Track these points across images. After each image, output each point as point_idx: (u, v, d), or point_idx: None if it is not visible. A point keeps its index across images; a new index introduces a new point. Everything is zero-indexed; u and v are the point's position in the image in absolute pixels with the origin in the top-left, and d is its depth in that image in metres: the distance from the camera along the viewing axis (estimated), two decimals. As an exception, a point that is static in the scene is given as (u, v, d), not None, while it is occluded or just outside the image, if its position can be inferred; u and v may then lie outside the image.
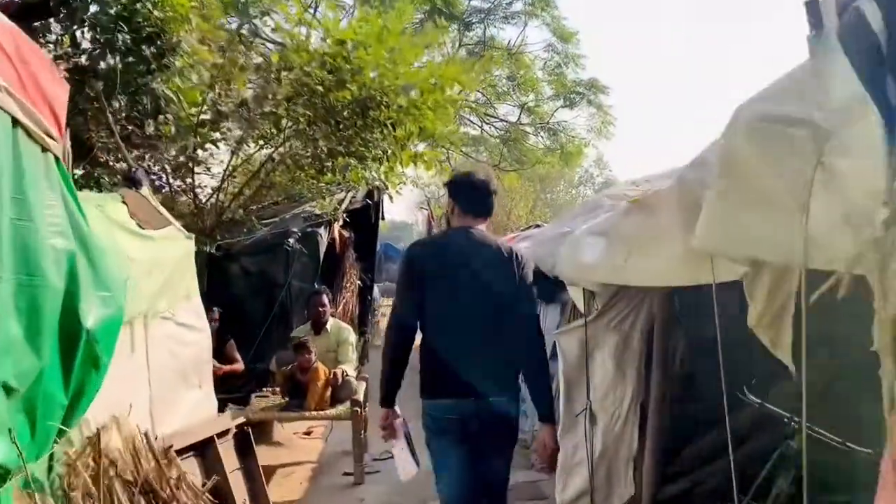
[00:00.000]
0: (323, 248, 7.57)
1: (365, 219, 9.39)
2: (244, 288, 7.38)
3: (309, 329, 6.69)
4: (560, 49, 19.19)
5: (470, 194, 3.41)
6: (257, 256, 7.41)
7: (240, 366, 6.82)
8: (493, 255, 3.28)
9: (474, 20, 19.46)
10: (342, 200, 8.34)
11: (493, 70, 19.29)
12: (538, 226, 15.28)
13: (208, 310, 6.84)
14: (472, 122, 20.55)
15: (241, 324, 7.28)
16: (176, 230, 4.38)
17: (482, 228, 3.42)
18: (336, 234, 7.95)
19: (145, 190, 4.38)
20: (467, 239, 3.32)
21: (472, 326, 3.23)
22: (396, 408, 3.40)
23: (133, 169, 4.37)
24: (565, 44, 19.13)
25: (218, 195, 7.22)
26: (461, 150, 19.81)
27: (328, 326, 6.67)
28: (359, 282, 9.91)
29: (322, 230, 7.58)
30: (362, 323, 10.42)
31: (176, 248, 4.26)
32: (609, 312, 4.26)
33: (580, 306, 4.70)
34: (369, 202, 9.19)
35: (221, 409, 5.02)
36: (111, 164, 5.82)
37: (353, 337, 6.80)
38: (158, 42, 5.66)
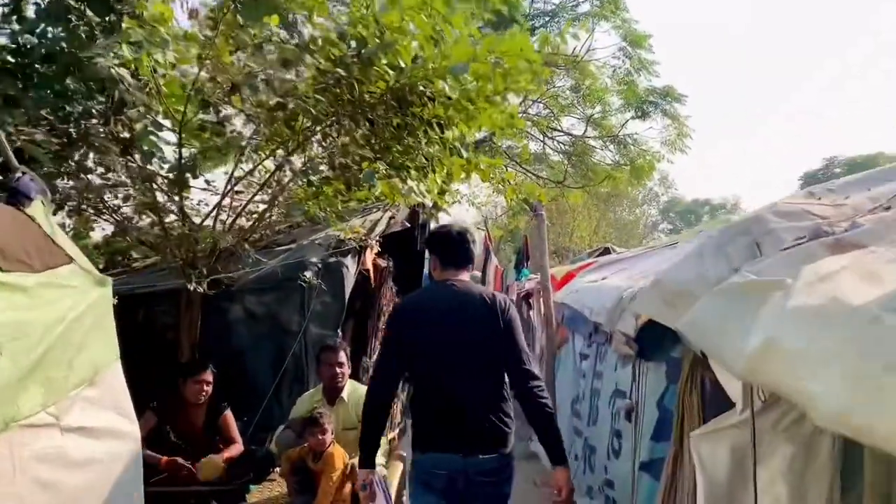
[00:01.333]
0: (349, 284, 5.87)
1: (408, 245, 7.70)
2: (248, 336, 5.73)
3: (318, 398, 4.97)
4: (631, 54, 17.33)
5: (448, 247, 3.53)
6: (265, 295, 5.76)
7: (238, 448, 5.14)
8: (477, 306, 3.36)
9: (538, 24, 17.80)
10: (377, 222, 6.65)
11: (556, 81, 17.64)
12: (607, 250, 13.47)
13: (200, 369, 5.25)
14: (533, 136, 18.83)
15: (243, 385, 5.63)
16: (78, 271, 2.71)
17: (465, 278, 3.53)
18: (369, 265, 6.23)
19: (36, 207, 2.73)
20: (450, 292, 3.41)
21: (460, 381, 3.28)
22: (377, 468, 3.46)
23: (15, 176, 2.71)
24: (637, 49, 17.29)
25: (216, 217, 5.59)
26: (522, 167, 18.12)
27: (345, 394, 4.95)
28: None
29: (348, 260, 5.89)
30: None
31: (69, 300, 2.57)
32: (780, 406, 2.67)
33: (732, 392, 2.98)
34: (411, 225, 7.47)
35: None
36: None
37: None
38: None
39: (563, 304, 7.38)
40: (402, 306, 3.62)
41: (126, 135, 4.85)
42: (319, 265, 5.75)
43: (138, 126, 4.42)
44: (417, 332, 3.31)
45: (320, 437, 4.57)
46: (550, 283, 6.97)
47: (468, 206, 18.74)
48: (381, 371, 3.40)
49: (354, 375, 6.58)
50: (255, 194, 5.56)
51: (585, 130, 18.65)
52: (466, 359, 3.28)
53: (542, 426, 3.31)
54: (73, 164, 4.67)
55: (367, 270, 6.24)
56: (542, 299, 6.82)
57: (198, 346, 5.64)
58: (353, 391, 5.01)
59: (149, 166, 4.65)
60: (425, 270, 8.36)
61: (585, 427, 6.63)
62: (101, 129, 4.57)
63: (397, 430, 8.18)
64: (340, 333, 5.72)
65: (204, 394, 5.13)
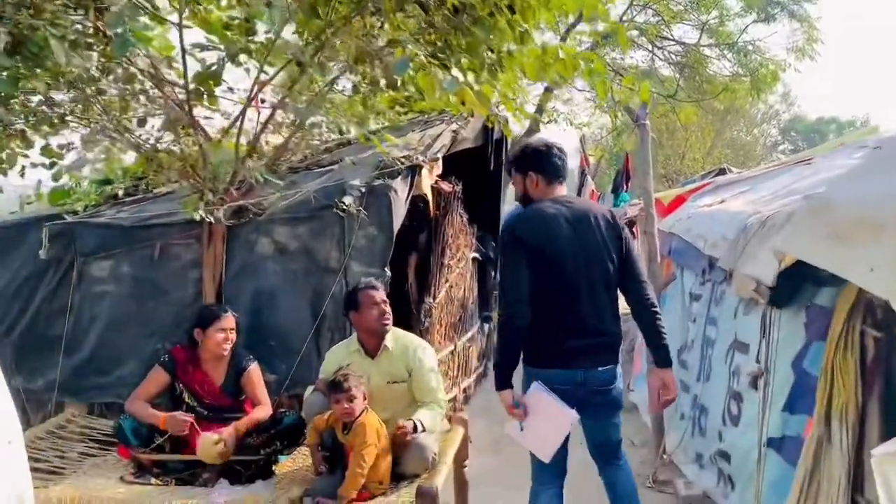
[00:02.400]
0: (399, 212, 4.80)
1: (479, 167, 6.57)
2: (279, 275, 4.78)
3: (354, 349, 4.02)
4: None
5: (549, 161, 3.42)
6: (299, 226, 4.77)
7: (264, 411, 4.28)
8: (600, 221, 3.35)
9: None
10: (437, 137, 5.53)
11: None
12: (723, 171, 11.82)
13: (221, 313, 4.39)
14: (641, 45, 16.98)
15: (273, 333, 4.72)
16: None
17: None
18: (426, 189, 5.13)
19: None
20: (570, 207, 3.35)
21: (586, 296, 3.26)
22: None
23: None
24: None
25: (239, 129, 4.61)
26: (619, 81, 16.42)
27: (388, 341, 3.99)
28: (475, 254, 7.11)
29: (398, 183, 4.80)
30: (484, 307, 7.66)
31: None
32: None
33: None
34: (483, 143, 6.30)
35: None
36: None
37: (431, 358, 4.06)
38: None
39: (671, 233, 6.16)
40: (525, 219, 3.37)
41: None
42: (362, 189, 4.70)
43: (112, 11, 3.43)
44: (546, 246, 3.22)
45: (346, 405, 3.61)
46: (655, 208, 5.71)
47: (566, 126, 17.23)
48: (516, 288, 3.22)
49: (409, 321, 5.62)
50: (280, 101, 4.51)
51: (700, 38, 16.70)
52: (592, 273, 3.28)
53: (656, 332, 3.43)
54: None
55: (423, 197, 5.16)
56: (645, 228, 5.58)
57: (224, 288, 4.77)
58: (398, 338, 4.04)
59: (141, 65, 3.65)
60: (503, 196, 7.25)
61: (694, 382, 5.45)
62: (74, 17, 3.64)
63: (473, 377, 7.22)
64: (388, 272, 4.70)
65: (229, 342, 4.27)
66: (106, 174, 5.65)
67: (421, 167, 4.96)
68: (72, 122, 4.61)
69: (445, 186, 5.72)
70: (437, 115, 6.20)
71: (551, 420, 3.27)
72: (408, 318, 5.71)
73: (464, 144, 6.07)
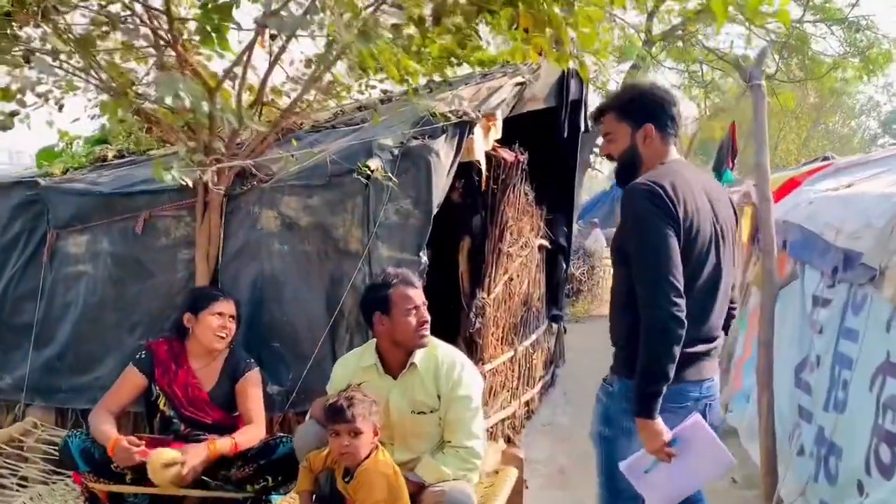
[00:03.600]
0: (444, 181, 3.70)
1: (552, 133, 5.42)
2: (285, 259, 3.76)
3: (370, 363, 2.99)
4: None
5: (672, 114, 2.55)
6: (312, 196, 3.72)
7: (254, 433, 3.32)
8: (726, 200, 2.60)
9: None
10: (495, 90, 4.40)
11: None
12: (827, 159, 10.32)
13: (217, 295, 3.35)
14: (738, 21, 15.39)
15: (276, 334, 3.71)
16: None
17: None
18: (479, 154, 4.01)
19: None
20: (699, 177, 2.55)
21: (721, 291, 2.50)
22: None
23: None
24: None
25: (244, 73, 3.60)
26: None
27: (416, 357, 2.94)
28: (542, 241, 5.95)
29: (441, 144, 3.70)
30: (554, 304, 6.50)
31: None
32: None
33: None
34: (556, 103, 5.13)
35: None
36: None
37: (472, 382, 2.98)
38: None
39: (786, 222, 4.92)
40: (667, 181, 2.40)
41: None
42: (394, 151, 3.64)
43: None
44: (695, 222, 2.37)
45: (347, 441, 2.57)
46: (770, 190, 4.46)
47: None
48: (669, 274, 2.28)
49: (457, 320, 4.55)
50: (287, 41, 3.47)
51: (803, 15, 15.02)
52: (726, 262, 2.51)
53: None
54: None
55: (478, 163, 4.05)
56: (757, 215, 4.36)
57: (220, 270, 3.79)
58: (432, 352, 2.98)
59: None
60: (579, 175, 6.06)
61: (820, 411, 4.20)
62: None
63: (538, 388, 6.10)
64: (425, 259, 3.62)
65: (227, 333, 3.38)
66: (104, 133, 4.76)
67: (473, 124, 3.86)
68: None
69: (506, 154, 4.60)
70: (500, 68, 5.07)
71: (701, 465, 2.42)
72: (455, 316, 4.64)
73: (531, 105, 4.94)
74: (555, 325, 6.69)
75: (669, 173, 2.41)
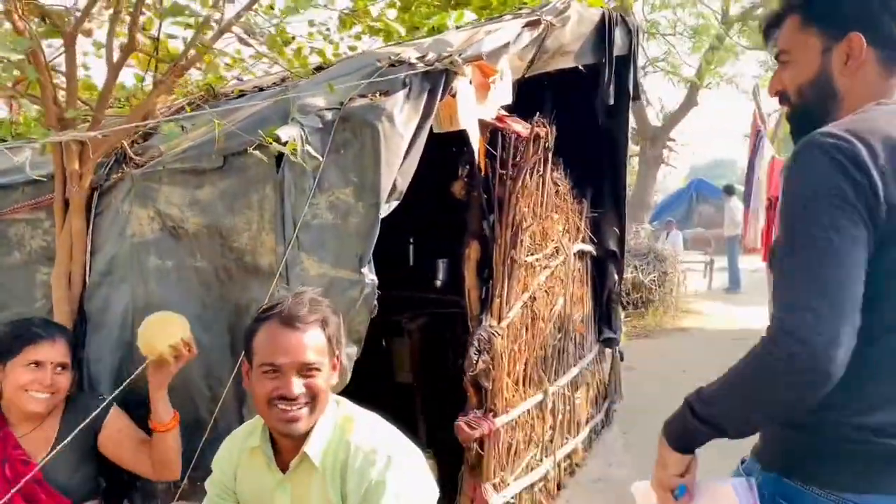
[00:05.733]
0: (398, 158, 2.41)
1: (590, 102, 4.07)
2: (168, 277, 2.53)
3: (255, 444, 1.85)
4: None
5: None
6: (201, 185, 2.49)
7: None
8: None
9: None
10: (492, 31, 3.09)
11: None
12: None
13: (38, 336, 2.11)
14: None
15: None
16: None
17: None
18: (465, 123, 2.71)
19: None
20: None
21: None
22: None
23: None
24: None
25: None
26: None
27: (311, 447, 1.75)
28: (584, 246, 4.57)
29: (398, 102, 2.42)
30: (605, 324, 5.11)
31: None
32: None
33: None
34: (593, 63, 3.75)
35: None
36: None
37: (402, 479, 1.71)
38: None
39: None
40: (861, 136, 1.31)
41: None
42: (325, 114, 2.39)
43: None
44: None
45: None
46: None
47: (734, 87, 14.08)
48: (826, 285, 1.28)
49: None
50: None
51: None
52: None
53: None
54: None
55: (465, 136, 2.75)
56: None
57: (86, 298, 2.62)
58: (340, 439, 1.78)
59: None
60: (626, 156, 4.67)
61: None
62: None
63: (585, 432, 4.76)
64: (372, 277, 2.35)
65: (47, 390, 2.28)
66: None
67: (451, 75, 2.57)
68: None
69: (519, 127, 3.29)
70: (514, 12, 3.75)
71: None
72: (453, 350, 3.36)
73: (561, 61, 3.61)
74: (608, 351, 5.30)
75: (883, 123, 1.37)
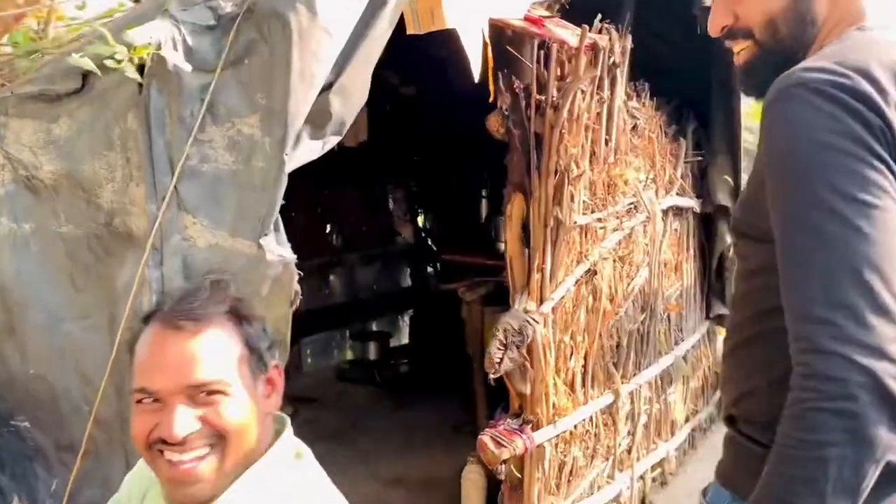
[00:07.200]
0: (324, 71, 1.58)
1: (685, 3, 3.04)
2: (28, 249, 1.82)
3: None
4: None
5: None
6: (57, 117, 1.73)
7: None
8: None
9: None
10: None
11: None
12: None
13: None
14: None
15: (19, 397, 1.83)
16: None
17: None
18: (449, 16, 1.82)
19: None
20: None
21: None
22: None
23: None
24: None
25: None
26: None
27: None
28: (684, 200, 3.51)
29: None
30: (717, 298, 4.07)
31: None
32: None
33: None
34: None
35: None
36: None
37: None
38: None
39: None
40: (868, 71, 0.94)
41: None
42: (222, 5, 1.59)
43: None
44: None
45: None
46: None
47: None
48: (867, 280, 0.85)
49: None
50: None
51: None
52: None
53: None
54: None
55: (455, 37, 1.87)
56: None
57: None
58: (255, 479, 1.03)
59: None
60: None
61: None
62: None
63: (685, 430, 3.82)
64: (280, 249, 1.55)
65: None
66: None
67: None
68: None
69: (564, 34, 2.33)
70: None
71: None
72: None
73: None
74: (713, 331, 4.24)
75: (879, 51, 1.02)
